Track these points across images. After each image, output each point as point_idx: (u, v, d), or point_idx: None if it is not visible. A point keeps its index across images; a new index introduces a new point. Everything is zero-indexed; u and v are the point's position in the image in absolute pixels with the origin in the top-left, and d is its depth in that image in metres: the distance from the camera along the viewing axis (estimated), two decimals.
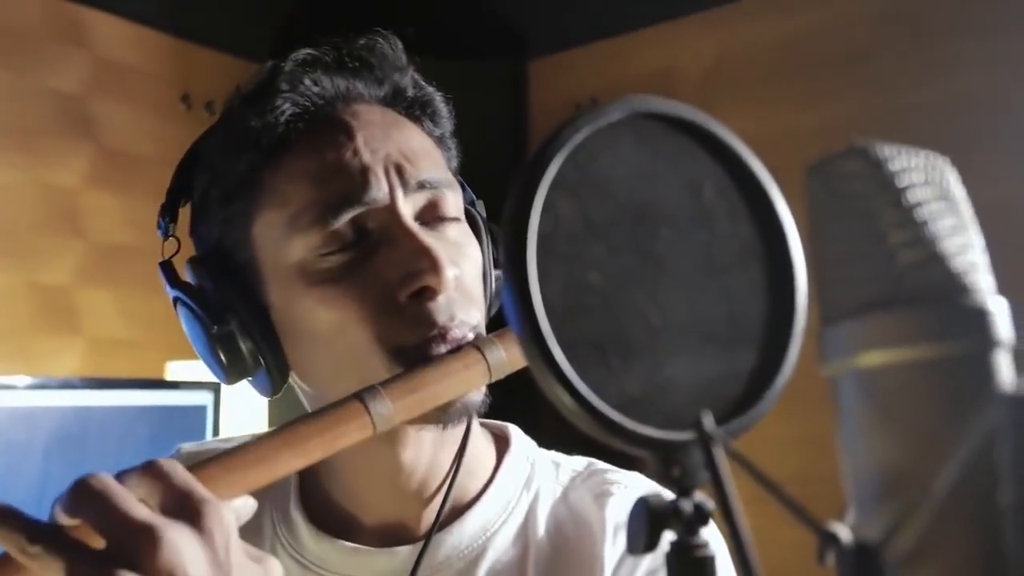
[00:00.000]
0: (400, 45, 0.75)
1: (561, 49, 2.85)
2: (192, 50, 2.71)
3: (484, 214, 0.77)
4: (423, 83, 0.76)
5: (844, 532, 0.29)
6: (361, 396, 0.60)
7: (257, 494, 0.77)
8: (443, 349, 0.66)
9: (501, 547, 0.73)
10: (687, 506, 0.35)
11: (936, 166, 0.30)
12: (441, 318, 0.66)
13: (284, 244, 0.68)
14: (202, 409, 1.88)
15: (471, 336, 0.68)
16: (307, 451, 0.58)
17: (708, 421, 0.29)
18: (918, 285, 0.27)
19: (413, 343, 0.66)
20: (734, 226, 0.39)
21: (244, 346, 0.70)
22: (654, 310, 0.36)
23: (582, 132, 0.36)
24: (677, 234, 0.37)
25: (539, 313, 0.33)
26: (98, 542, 0.49)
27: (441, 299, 0.66)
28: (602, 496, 0.75)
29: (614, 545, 0.72)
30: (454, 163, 0.78)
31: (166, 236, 0.76)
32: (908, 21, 2.33)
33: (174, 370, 2.16)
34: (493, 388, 0.72)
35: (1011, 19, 2.19)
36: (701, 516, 0.35)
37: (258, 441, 0.58)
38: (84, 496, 0.49)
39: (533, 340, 0.33)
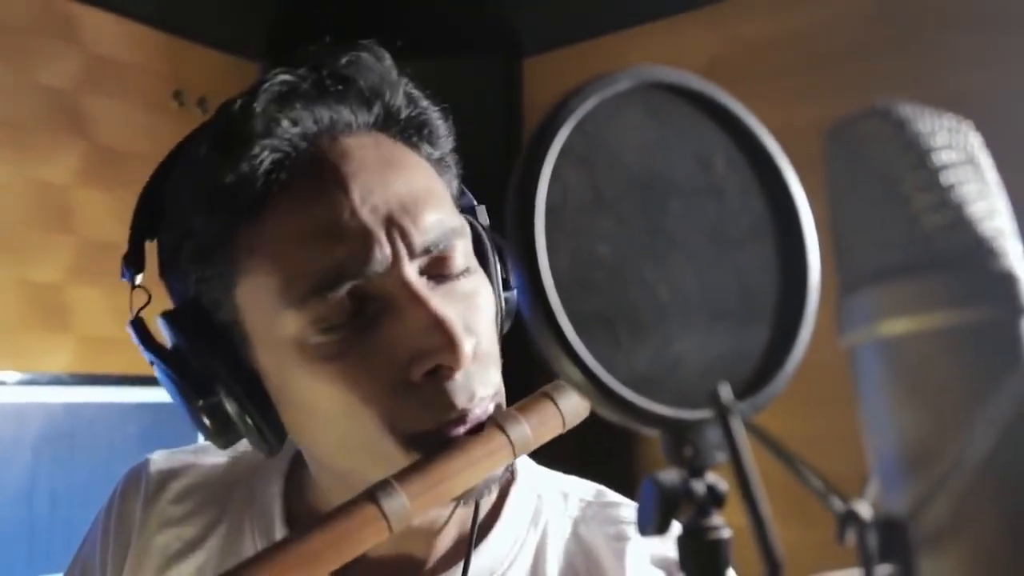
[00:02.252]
0: (387, 57, 0.67)
1: (556, 47, 2.83)
2: (184, 47, 2.69)
3: (487, 222, 0.71)
4: (417, 98, 0.68)
5: (865, 509, 0.28)
6: (375, 496, 0.55)
7: (237, 515, 0.74)
8: (462, 431, 0.60)
9: None
10: (700, 487, 0.34)
11: (960, 129, 0.29)
12: (460, 400, 0.60)
13: (274, 315, 0.61)
14: None
15: (491, 409, 0.62)
16: (321, 565, 0.54)
17: (725, 392, 0.28)
18: (944, 249, 0.26)
19: (430, 428, 0.60)
20: (745, 201, 0.37)
21: (234, 414, 0.63)
22: (664, 285, 0.35)
23: (590, 101, 0.35)
24: (687, 208, 0.36)
25: (547, 285, 0.32)
26: None
27: (459, 377, 0.60)
28: (618, 540, 0.70)
29: None
30: (455, 183, 0.71)
31: (133, 286, 0.69)
32: (906, 18, 2.33)
33: None
34: None
35: (1008, 16, 2.19)
36: (715, 497, 0.34)
37: (269, 558, 0.53)
38: None
39: (541, 313, 0.32)
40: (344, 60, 0.64)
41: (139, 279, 0.69)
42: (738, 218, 0.37)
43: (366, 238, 0.60)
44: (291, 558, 0.53)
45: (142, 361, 0.67)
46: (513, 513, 0.72)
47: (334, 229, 0.60)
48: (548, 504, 0.73)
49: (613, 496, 0.75)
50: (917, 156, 0.27)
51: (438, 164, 0.68)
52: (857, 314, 0.28)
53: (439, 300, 0.60)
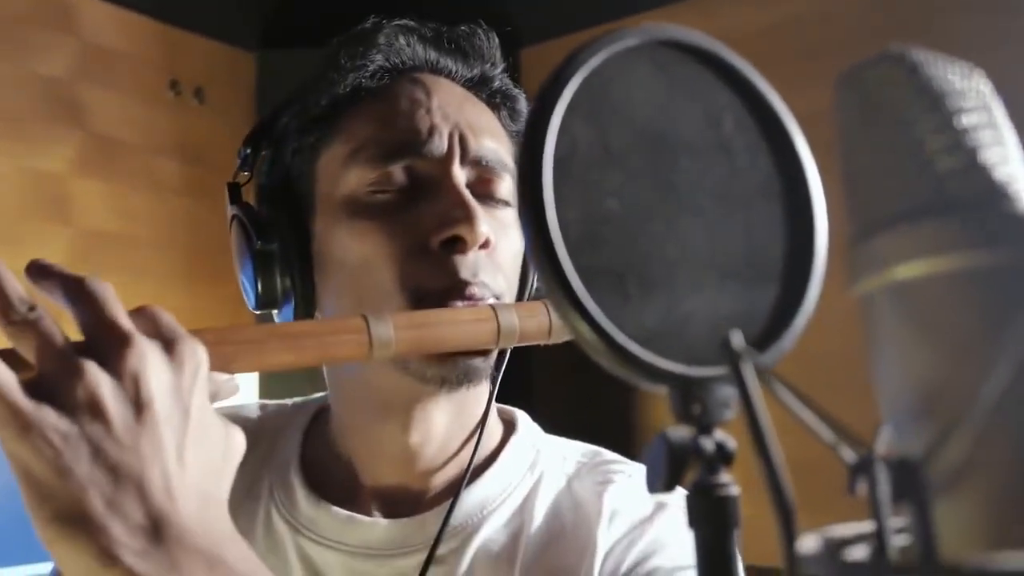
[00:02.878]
0: (496, 42, 0.79)
1: (554, 36, 2.83)
2: (181, 37, 2.68)
3: None
4: (510, 82, 0.79)
5: (877, 459, 0.28)
6: (365, 315, 0.59)
7: (256, 462, 0.77)
8: (459, 304, 0.66)
9: (496, 525, 0.73)
10: (708, 444, 0.34)
11: (972, 75, 0.29)
12: (464, 272, 0.67)
13: (340, 175, 0.71)
14: None
15: (489, 298, 0.69)
16: (300, 348, 0.56)
17: (737, 339, 0.28)
18: (958, 192, 0.26)
19: (433, 289, 0.67)
20: (753, 160, 0.37)
21: (279, 272, 0.72)
22: (672, 242, 0.35)
23: (598, 56, 0.34)
24: (696, 165, 0.36)
25: (555, 237, 0.31)
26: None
27: (470, 255, 0.68)
28: (604, 483, 0.74)
29: (608, 530, 0.71)
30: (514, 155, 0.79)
31: (243, 166, 0.78)
32: (901, 5, 2.33)
33: None
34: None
35: (1005, 2, 2.19)
36: (723, 455, 0.34)
37: (256, 327, 0.57)
38: (81, 291, 0.48)
39: (549, 265, 0.32)
40: (463, 28, 0.78)
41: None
42: (746, 177, 0.37)
43: (431, 129, 0.71)
44: (275, 331, 0.56)
45: None
46: (510, 459, 0.76)
47: (410, 118, 0.71)
48: (545, 459, 0.78)
49: (609, 455, 0.79)
50: (931, 99, 0.27)
51: (510, 134, 0.77)
52: (871, 260, 0.27)
53: (475, 202, 0.69)
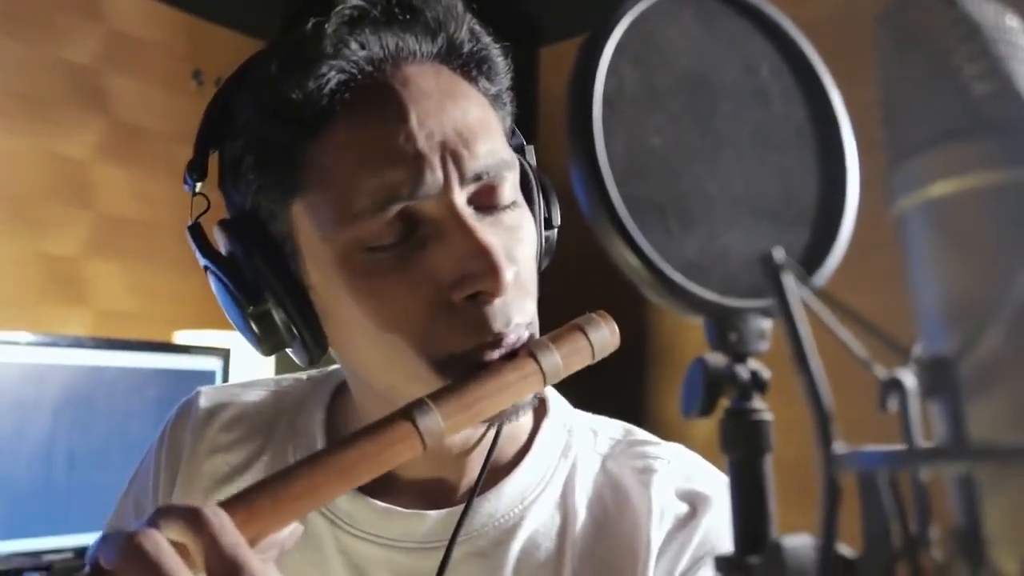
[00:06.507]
0: None
1: (573, 36, 2.85)
2: (205, 27, 2.71)
3: (534, 162, 0.73)
4: (479, 33, 0.69)
5: (909, 377, 0.29)
6: (411, 414, 0.57)
7: (281, 443, 0.77)
8: (496, 355, 0.62)
9: (539, 517, 0.71)
10: (743, 372, 0.36)
11: (1005, 13, 0.30)
12: (497, 324, 0.62)
13: (326, 230, 0.64)
14: (211, 375, 1.88)
15: (526, 336, 0.64)
16: (356, 477, 0.56)
17: (778, 254, 0.30)
18: (993, 114, 0.28)
19: (465, 350, 0.62)
20: (788, 107, 0.39)
21: (280, 323, 0.66)
22: (711, 180, 0.37)
23: (645, 1, 0.36)
24: (734, 110, 0.38)
25: (603, 166, 0.33)
26: None
27: (498, 303, 0.62)
28: (645, 473, 0.72)
29: (660, 528, 0.69)
30: (509, 120, 0.72)
31: (194, 193, 0.72)
32: None
33: (180, 342, 2.16)
34: None
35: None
36: (757, 382, 0.36)
37: (307, 468, 0.55)
38: (135, 559, 0.48)
39: (597, 195, 0.33)
40: None
41: (199, 187, 0.72)
42: (781, 123, 0.39)
43: (419, 162, 0.62)
44: (328, 468, 0.55)
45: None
46: (544, 445, 0.74)
47: (390, 152, 0.62)
48: (578, 439, 0.75)
49: (641, 434, 0.77)
50: (967, 29, 0.29)
51: (494, 100, 0.70)
52: (907, 181, 0.29)
53: (485, 229, 0.62)
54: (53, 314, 2.33)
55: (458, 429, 0.59)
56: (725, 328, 0.36)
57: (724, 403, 0.36)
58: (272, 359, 1.96)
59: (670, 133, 0.36)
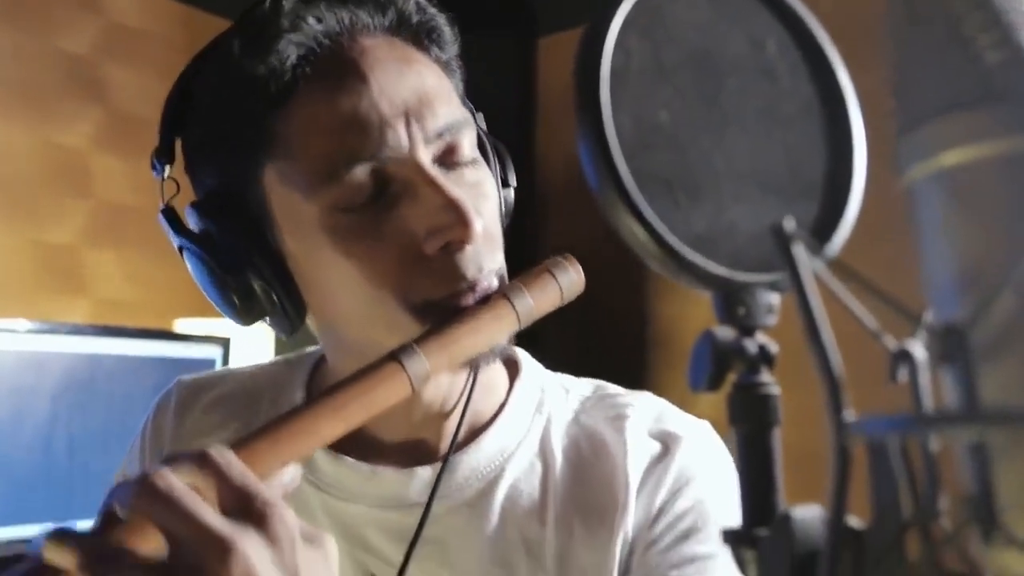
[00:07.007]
0: None
1: (571, 27, 2.84)
2: (202, 18, 2.70)
3: (484, 127, 0.77)
4: (425, 5, 0.73)
5: (918, 348, 0.29)
6: (398, 357, 0.60)
7: (266, 416, 0.78)
8: (472, 300, 0.65)
9: (519, 467, 0.74)
10: (751, 346, 0.36)
11: None
12: (470, 271, 0.66)
13: (299, 197, 0.66)
14: (211, 363, 1.88)
15: (496, 283, 0.67)
16: (348, 416, 0.58)
17: (789, 224, 0.30)
18: (1005, 83, 0.28)
19: (441, 296, 0.65)
20: (795, 83, 0.39)
21: (260, 292, 0.68)
22: (718, 155, 0.37)
23: None
24: (741, 85, 0.38)
25: (611, 140, 0.33)
26: (151, 539, 0.49)
27: (469, 250, 0.66)
28: (617, 419, 0.76)
29: (636, 466, 0.73)
30: (461, 87, 0.76)
31: (163, 178, 0.73)
32: None
33: (180, 330, 2.16)
34: None
35: None
36: (765, 356, 0.36)
37: (301, 411, 0.58)
38: (150, 497, 0.48)
39: (605, 168, 0.33)
40: None
41: (167, 171, 0.74)
42: (788, 99, 0.39)
43: (383, 125, 0.65)
44: (322, 408, 0.57)
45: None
46: (519, 402, 0.78)
47: (355, 117, 0.65)
48: (551, 396, 0.79)
49: (612, 388, 0.80)
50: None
51: (445, 66, 0.74)
52: (917, 150, 0.29)
53: (450, 183, 0.66)
54: (52, 304, 2.33)
55: (441, 370, 0.62)
56: (733, 302, 0.36)
57: (731, 377, 0.36)
58: (271, 346, 1.96)
59: (677, 108, 0.36)
